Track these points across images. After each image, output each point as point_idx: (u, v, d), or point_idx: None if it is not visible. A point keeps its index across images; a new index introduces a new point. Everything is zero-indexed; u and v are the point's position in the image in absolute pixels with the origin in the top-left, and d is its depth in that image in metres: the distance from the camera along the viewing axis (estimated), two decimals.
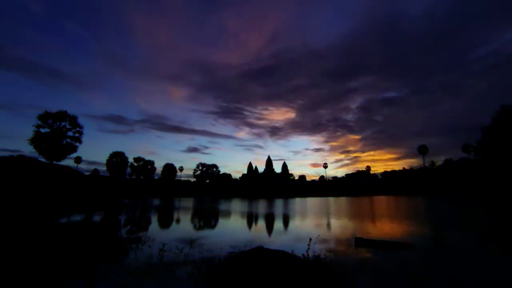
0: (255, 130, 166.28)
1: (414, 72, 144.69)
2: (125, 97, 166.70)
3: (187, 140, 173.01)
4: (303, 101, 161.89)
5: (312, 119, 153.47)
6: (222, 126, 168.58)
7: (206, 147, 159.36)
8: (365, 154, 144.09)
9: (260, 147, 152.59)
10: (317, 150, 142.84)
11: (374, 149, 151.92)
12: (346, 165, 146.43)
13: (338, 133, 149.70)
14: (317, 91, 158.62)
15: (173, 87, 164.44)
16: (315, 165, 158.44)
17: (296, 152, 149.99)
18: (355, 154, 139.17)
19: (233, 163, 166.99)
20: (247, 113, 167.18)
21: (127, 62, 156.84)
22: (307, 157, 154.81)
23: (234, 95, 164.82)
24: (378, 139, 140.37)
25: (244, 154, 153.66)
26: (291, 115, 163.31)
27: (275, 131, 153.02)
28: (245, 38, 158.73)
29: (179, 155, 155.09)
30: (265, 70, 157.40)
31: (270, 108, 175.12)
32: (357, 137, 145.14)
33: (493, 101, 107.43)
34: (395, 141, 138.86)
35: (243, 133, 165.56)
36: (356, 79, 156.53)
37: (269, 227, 11.59)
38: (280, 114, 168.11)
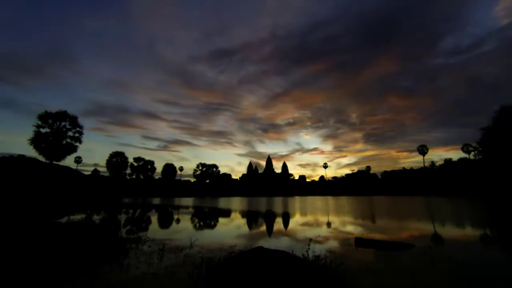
0: (247, 126, 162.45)
1: (418, 59, 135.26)
2: (71, 89, 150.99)
3: (154, 135, 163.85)
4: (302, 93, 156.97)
5: (312, 115, 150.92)
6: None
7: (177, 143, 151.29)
8: (366, 153, 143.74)
9: (236, 146, 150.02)
10: (317, 149, 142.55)
11: (375, 148, 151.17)
12: (347, 165, 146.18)
13: (340, 131, 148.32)
14: (313, 86, 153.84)
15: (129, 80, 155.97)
16: (314, 165, 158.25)
17: (295, 152, 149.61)
18: (355, 153, 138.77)
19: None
20: (233, 109, 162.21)
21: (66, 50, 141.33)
22: (307, 156, 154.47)
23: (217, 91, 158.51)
24: (379, 137, 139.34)
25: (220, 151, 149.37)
26: (290, 111, 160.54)
27: (267, 128, 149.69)
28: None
29: (148, 153, 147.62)
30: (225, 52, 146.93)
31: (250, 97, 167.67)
32: (359, 134, 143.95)
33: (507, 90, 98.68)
34: (395, 139, 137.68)
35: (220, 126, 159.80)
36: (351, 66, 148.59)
37: (269, 227, 11.59)
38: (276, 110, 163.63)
